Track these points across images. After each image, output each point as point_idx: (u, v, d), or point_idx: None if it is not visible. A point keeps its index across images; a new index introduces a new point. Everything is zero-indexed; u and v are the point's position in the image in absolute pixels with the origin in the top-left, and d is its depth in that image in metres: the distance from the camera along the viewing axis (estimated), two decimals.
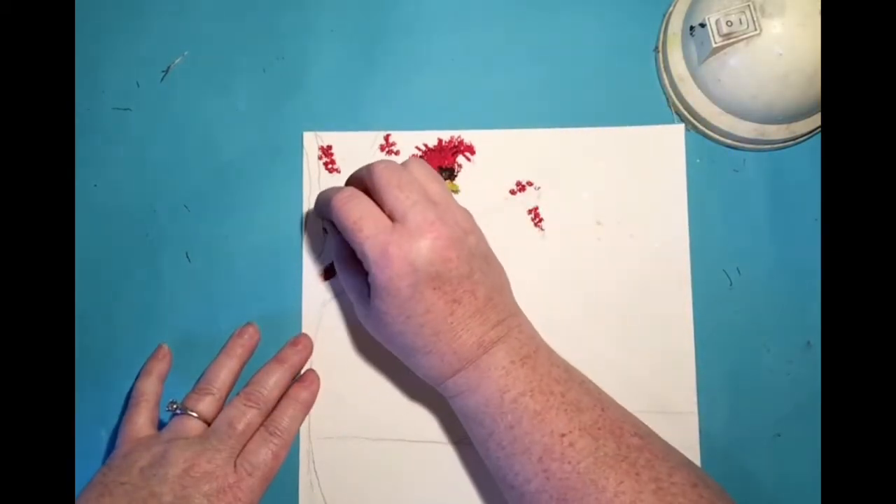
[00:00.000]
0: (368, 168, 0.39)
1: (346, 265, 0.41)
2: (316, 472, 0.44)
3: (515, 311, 0.40)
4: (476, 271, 0.38)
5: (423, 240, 0.36)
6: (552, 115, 0.47)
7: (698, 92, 0.45)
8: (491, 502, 0.44)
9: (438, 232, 0.37)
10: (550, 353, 0.40)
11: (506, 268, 0.45)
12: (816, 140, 0.46)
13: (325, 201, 0.40)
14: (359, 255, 0.38)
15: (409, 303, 0.37)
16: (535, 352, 0.39)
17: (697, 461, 0.44)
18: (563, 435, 0.37)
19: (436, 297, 0.37)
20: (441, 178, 0.40)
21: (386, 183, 0.38)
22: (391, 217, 0.38)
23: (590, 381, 0.40)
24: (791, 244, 0.46)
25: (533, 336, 0.40)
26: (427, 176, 0.39)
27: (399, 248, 0.36)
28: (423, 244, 0.36)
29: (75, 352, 0.45)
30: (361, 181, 0.40)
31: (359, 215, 0.37)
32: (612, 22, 0.48)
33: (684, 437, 0.44)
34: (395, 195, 0.37)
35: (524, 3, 0.48)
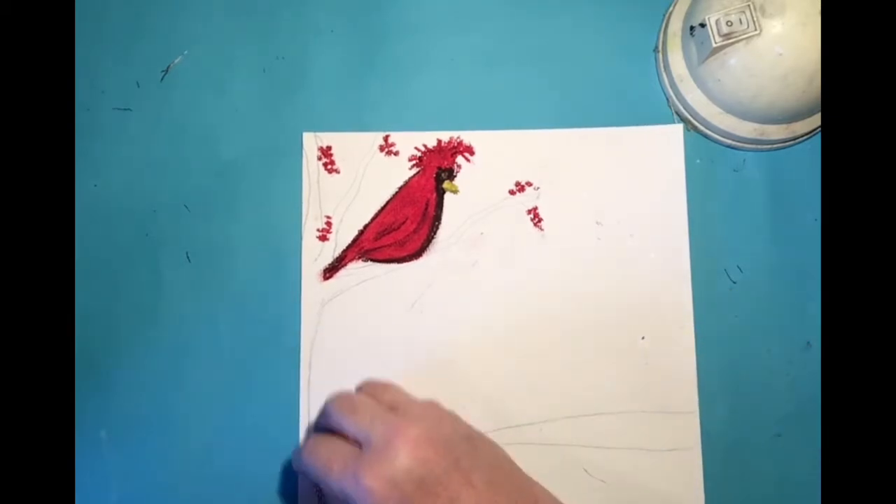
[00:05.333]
0: (322, 409, 0.38)
1: None
2: None
3: (526, 487, 0.37)
4: (462, 457, 0.35)
5: (393, 451, 0.34)
6: (552, 115, 0.47)
7: (698, 92, 0.45)
8: None
9: (405, 435, 0.34)
10: None
11: (505, 268, 0.46)
12: (816, 140, 0.46)
13: (300, 463, 0.38)
14: (342, 498, 0.35)
15: None
16: None
17: (698, 461, 0.44)
18: None
19: (430, 502, 0.34)
20: (392, 384, 0.39)
21: (339, 415, 0.37)
22: (359, 446, 0.35)
23: None
24: (791, 244, 0.46)
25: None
26: (377, 388, 0.39)
27: (372, 471, 0.34)
28: (394, 456, 0.34)
29: (75, 352, 0.45)
30: (326, 424, 0.38)
31: (325, 457, 0.36)
32: (612, 22, 0.48)
33: (685, 437, 0.44)
34: (351, 422, 0.36)
35: (524, 4, 0.48)
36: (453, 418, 0.37)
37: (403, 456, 0.34)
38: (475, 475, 0.35)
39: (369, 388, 0.39)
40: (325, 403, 0.38)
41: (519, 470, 0.38)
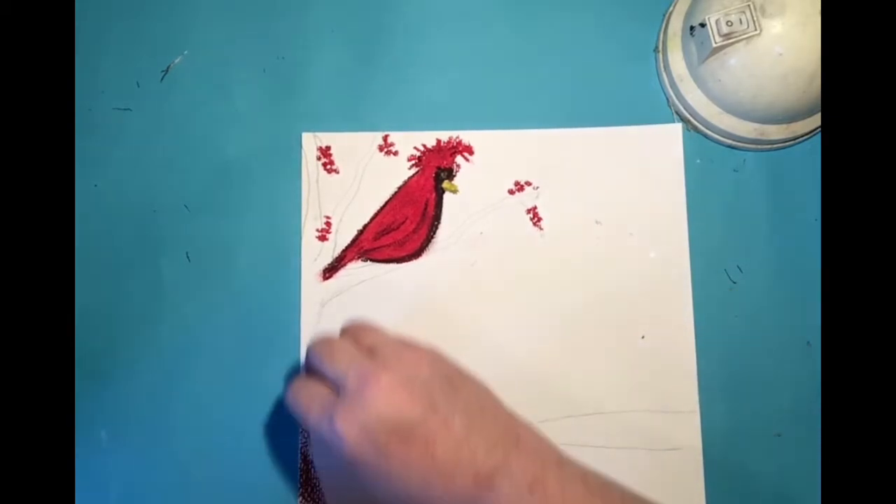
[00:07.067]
0: (307, 351, 0.38)
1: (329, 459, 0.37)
2: (315, 472, 0.44)
3: (509, 426, 0.36)
4: (440, 401, 0.34)
5: (365, 397, 0.33)
6: (552, 115, 0.47)
7: (698, 92, 0.45)
8: None
9: (378, 381, 0.33)
10: (561, 465, 0.35)
11: (505, 268, 0.46)
12: (816, 140, 0.46)
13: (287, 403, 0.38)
14: (324, 442, 0.35)
15: (381, 466, 0.33)
16: (543, 472, 0.34)
17: (699, 461, 0.44)
18: None
19: (405, 449, 0.33)
20: (374, 325, 0.38)
21: (319, 361, 0.36)
22: (337, 391, 0.35)
23: (610, 484, 0.35)
24: (791, 244, 0.46)
25: (537, 450, 0.35)
26: (358, 329, 0.38)
27: (345, 417, 0.33)
28: (366, 402, 0.33)
29: (75, 352, 0.45)
30: (310, 367, 0.38)
31: (305, 401, 0.36)
32: (612, 22, 0.48)
33: (686, 436, 0.44)
34: (328, 367, 0.36)
35: (523, 4, 0.48)
36: (434, 359, 0.36)
37: (375, 402, 0.33)
38: (454, 418, 0.34)
39: (352, 330, 0.38)
40: (308, 346, 0.38)
41: (503, 410, 0.36)
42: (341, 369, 0.35)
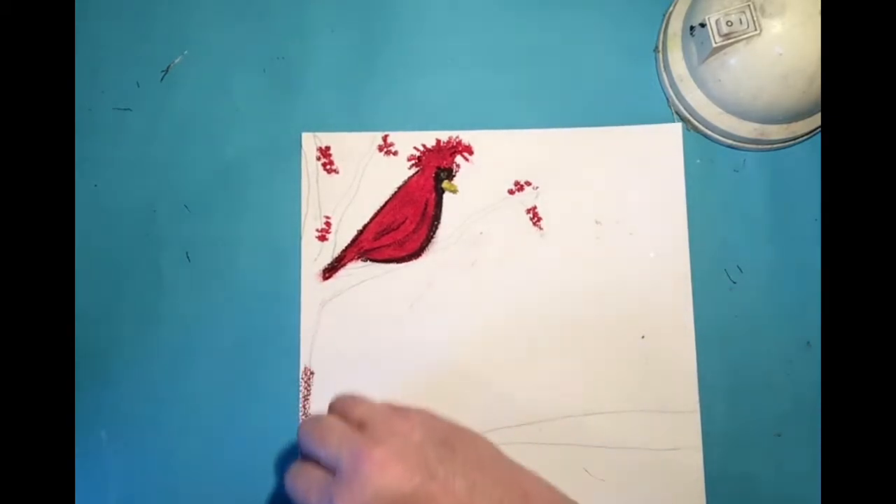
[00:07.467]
0: (298, 434, 0.37)
1: None
2: None
3: (513, 481, 0.35)
4: (438, 466, 0.33)
5: (361, 475, 0.33)
6: (552, 115, 0.47)
7: (698, 92, 0.45)
8: None
9: (371, 458, 0.33)
10: None
11: (504, 268, 0.46)
12: (816, 140, 0.46)
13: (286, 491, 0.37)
14: None
15: None
16: None
17: (699, 461, 0.44)
18: None
19: None
20: (361, 397, 0.38)
21: (310, 443, 0.36)
22: (333, 472, 0.35)
23: None
24: (791, 244, 0.46)
25: (546, 501, 0.35)
26: (346, 403, 0.37)
27: (344, 499, 0.33)
28: (363, 482, 0.33)
29: (75, 352, 0.45)
30: (302, 450, 0.38)
31: (303, 490, 0.35)
32: (612, 22, 0.48)
33: (686, 436, 0.44)
34: (321, 450, 0.35)
35: (523, 3, 0.48)
36: (425, 422, 0.36)
37: (371, 479, 0.32)
38: (455, 481, 0.33)
39: (339, 406, 0.38)
40: (299, 428, 0.37)
41: (506, 464, 0.36)
42: (334, 449, 0.34)
